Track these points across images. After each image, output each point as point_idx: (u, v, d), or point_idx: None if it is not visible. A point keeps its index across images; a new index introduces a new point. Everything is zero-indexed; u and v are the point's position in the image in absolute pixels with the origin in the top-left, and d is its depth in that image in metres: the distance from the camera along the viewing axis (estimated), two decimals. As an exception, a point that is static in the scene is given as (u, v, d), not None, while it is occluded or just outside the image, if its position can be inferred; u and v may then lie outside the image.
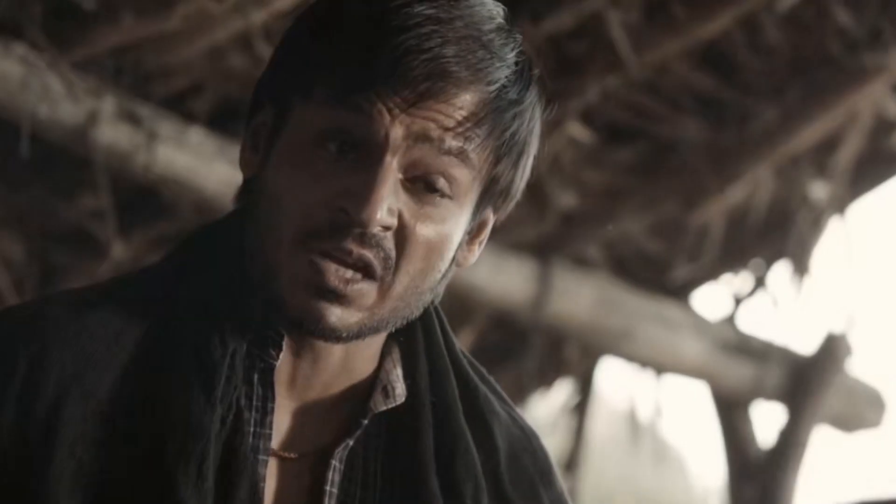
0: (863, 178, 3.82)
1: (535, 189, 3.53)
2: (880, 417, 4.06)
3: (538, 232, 3.64)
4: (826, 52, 3.47)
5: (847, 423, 4.05)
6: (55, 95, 2.79)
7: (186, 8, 2.71)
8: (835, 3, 3.41)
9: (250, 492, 1.35)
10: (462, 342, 3.75)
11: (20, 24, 2.74)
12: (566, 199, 3.60)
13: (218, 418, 1.35)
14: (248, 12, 2.72)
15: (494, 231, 3.94)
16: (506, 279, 3.55)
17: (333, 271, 1.35)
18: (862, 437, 4.10)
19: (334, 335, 1.38)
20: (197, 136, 2.99)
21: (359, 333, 1.39)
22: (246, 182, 1.44)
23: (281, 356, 1.40)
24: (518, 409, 1.56)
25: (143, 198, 3.21)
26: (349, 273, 1.36)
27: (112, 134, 2.88)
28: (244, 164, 1.44)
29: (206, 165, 2.97)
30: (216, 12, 2.72)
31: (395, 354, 1.46)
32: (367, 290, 1.37)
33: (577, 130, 3.46)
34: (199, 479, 1.32)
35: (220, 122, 3.03)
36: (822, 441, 4.03)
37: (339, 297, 1.36)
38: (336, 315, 1.37)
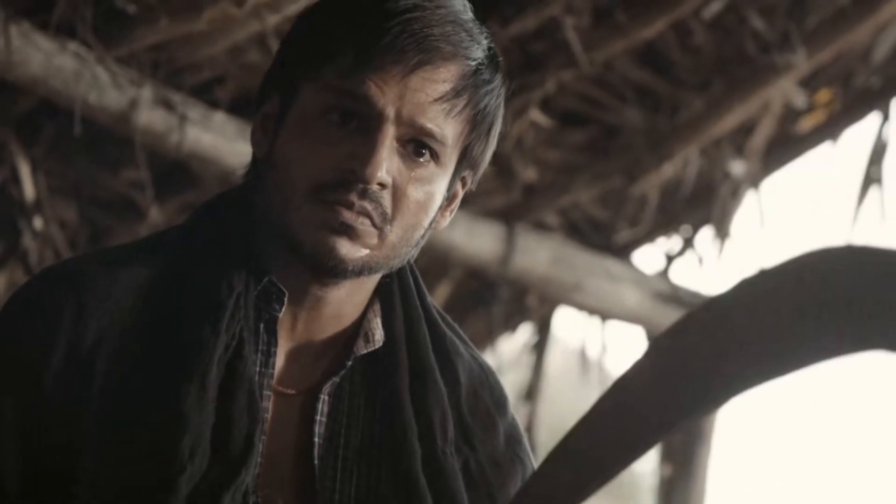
0: (774, 157, 3.83)
1: (502, 165, 3.56)
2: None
3: (505, 201, 3.65)
4: (744, 53, 3.48)
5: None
6: (102, 85, 2.77)
7: (212, 12, 2.69)
8: (751, 11, 3.44)
9: (249, 405, 1.36)
10: (442, 292, 3.81)
11: (74, 25, 2.73)
12: (528, 174, 3.61)
13: (221, 344, 1.36)
14: (264, 16, 2.71)
15: (469, 201, 3.93)
16: (478, 241, 3.56)
17: (344, 211, 1.37)
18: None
19: (342, 267, 1.38)
20: (220, 119, 2.98)
21: (361, 270, 1.40)
22: (256, 159, 1.45)
23: (283, 309, 1.41)
24: (480, 350, 1.60)
25: (176, 171, 3.21)
26: (355, 214, 1.37)
27: (149, 117, 2.86)
28: (255, 145, 1.45)
29: (228, 144, 2.96)
30: (237, 15, 2.71)
31: (376, 306, 1.47)
32: (370, 231, 1.38)
33: (538, 116, 3.47)
34: (201, 391, 1.34)
35: (240, 108, 3.03)
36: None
37: (348, 230, 1.37)
38: (346, 248, 1.37)
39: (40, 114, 2.95)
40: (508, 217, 3.63)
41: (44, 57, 2.70)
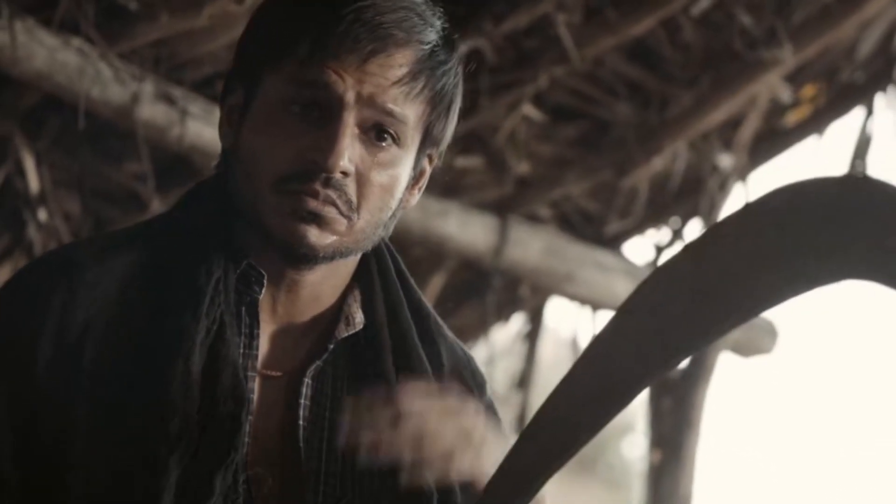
0: (760, 151, 3.86)
1: (496, 159, 3.56)
2: (773, 345, 4.08)
3: (498, 194, 3.67)
4: (732, 48, 3.50)
5: (745, 349, 4.05)
6: (105, 80, 2.79)
7: (212, 8, 2.70)
8: (739, 8, 3.46)
9: (234, 386, 1.37)
10: (436, 283, 3.82)
11: (77, 22, 2.74)
12: (521, 167, 3.62)
13: (203, 328, 1.37)
14: (263, 12, 2.72)
15: (463, 193, 3.84)
16: (472, 232, 3.57)
17: (310, 200, 1.37)
18: (757, 361, 4.13)
19: (313, 254, 1.39)
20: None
21: (332, 255, 1.41)
22: (224, 151, 1.45)
23: (263, 291, 1.42)
24: (473, 340, 1.56)
25: (177, 164, 3.20)
26: (321, 203, 1.38)
27: (151, 112, 2.87)
28: (223, 137, 1.44)
29: (228, 138, 2.98)
30: (237, 11, 2.71)
31: (356, 292, 1.47)
32: (338, 218, 1.39)
33: (531, 111, 3.49)
34: (185, 374, 1.35)
35: (240, 102, 3.04)
36: (725, 363, 4.06)
37: (317, 218, 1.38)
38: (314, 235, 1.38)
39: (45, 108, 2.96)
40: (501, 209, 3.64)
41: (48, 53, 2.71)
